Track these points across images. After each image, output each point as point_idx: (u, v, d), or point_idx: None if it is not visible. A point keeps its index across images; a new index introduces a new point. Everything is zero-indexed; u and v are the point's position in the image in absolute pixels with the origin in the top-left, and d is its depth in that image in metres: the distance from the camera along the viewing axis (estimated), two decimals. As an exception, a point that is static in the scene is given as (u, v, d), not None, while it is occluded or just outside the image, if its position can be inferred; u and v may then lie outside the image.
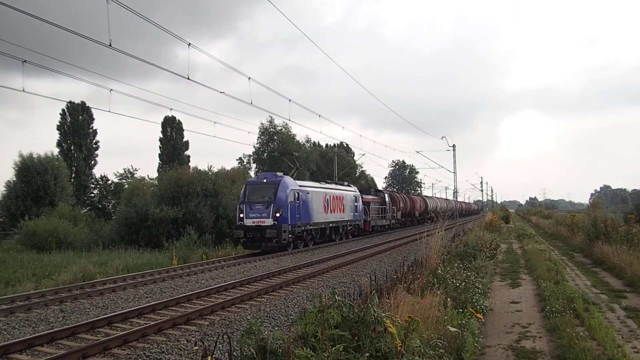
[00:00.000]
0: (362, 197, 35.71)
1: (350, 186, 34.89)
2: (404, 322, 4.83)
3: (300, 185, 25.63)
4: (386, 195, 42.86)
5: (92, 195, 51.11)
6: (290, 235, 23.47)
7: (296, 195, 24.39)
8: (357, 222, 34.01)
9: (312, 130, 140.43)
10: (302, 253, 23.62)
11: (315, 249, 26.01)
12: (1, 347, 7.91)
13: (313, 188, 27.44)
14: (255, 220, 23.17)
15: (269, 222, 22.91)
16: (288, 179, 24.71)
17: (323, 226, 27.84)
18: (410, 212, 52.01)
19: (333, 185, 31.76)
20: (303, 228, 25.17)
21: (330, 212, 28.81)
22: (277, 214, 22.89)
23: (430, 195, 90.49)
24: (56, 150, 49.04)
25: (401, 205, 47.49)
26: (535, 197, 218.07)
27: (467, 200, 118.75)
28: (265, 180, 24.38)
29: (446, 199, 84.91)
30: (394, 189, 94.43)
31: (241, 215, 23.50)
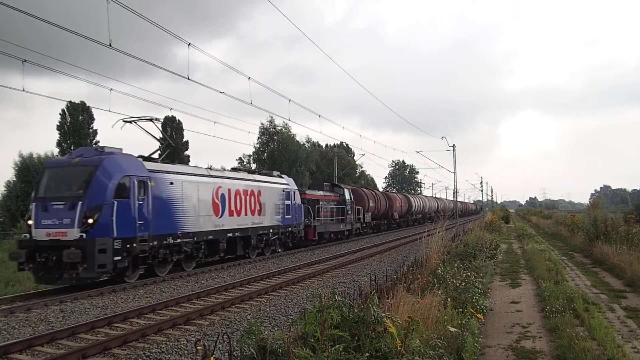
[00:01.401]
0: (306, 194, 27.25)
1: (280, 177, 24.73)
2: (404, 322, 4.83)
3: (153, 170, 15.44)
4: (346, 191, 32.70)
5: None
6: (116, 258, 13.55)
7: (138, 186, 14.52)
8: (291, 229, 23.96)
9: (312, 130, 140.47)
10: (302, 253, 23.59)
11: (316, 249, 25.93)
12: (1, 347, 7.91)
13: (186, 176, 16.82)
14: (51, 230, 13.32)
15: (72, 233, 13.11)
16: (120, 158, 14.79)
17: (213, 237, 17.80)
18: (386, 213, 42.70)
19: (238, 174, 21.20)
20: (156, 243, 15.04)
21: (232, 215, 19.02)
22: (89, 220, 13.21)
23: (430, 195, 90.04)
24: (56, 150, 49.05)
25: (370, 204, 37.35)
26: (535, 197, 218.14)
27: (466, 200, 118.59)
28: (77, 160, 14.44)
29: (438, 198, 78.80)
30: (394, 189, 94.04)
31: (29, 223, 13.89)
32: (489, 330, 8.52)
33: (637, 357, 6.87)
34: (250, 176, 21.79)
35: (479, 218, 60.68)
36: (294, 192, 24.78)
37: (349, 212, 32.25)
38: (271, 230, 22.10)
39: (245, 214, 20.14)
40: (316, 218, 27.23)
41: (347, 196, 32.46)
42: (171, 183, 15.94)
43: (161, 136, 17.66)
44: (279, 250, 23.20)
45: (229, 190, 19.12)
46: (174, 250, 16.05)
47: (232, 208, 19.24)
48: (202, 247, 17.53)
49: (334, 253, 22.84)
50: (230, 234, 18.95)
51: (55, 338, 8.63)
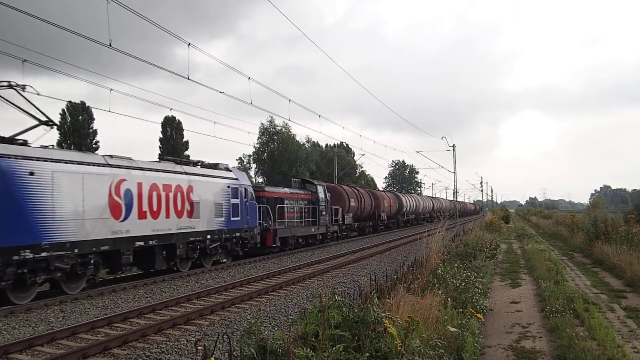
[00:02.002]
0: (264, 192, 22.90)
1: (227, 169, 19.92)
2: (404, 322, 4.83)
3: None
4: (320, 188, 28.13)
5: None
6: None
7: None
8: (240, 234, 19.44)
9: (312, 130, 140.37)
10: (302, 253, 23.59)
11: (316, 248, 25.92)
12: (1, 347, 7.91)
13: (60, 164, 12.45)
14: None
15: None
16: None
17: (110, 247, 13.54)
18: (372, 214, 38.66)
19: (156, 164, 16.29)
20: None
21: (144, 217, 14.68)
22: None
23: (430, 195, 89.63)
24: (56, 150, 49.03)
25: (352, 204, 33.21)
26: (535, 197, 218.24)
27: (466, 200, 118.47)
28: None
29: (434, 197, 74.83)
30: (394, 189, 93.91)
31: None
32: (489, 330, 8.52)
33: (637, 357, 6.88)
34: (176, 167, 16.72)
35: (479, 218, 60.43)
36: (245, 189, 20.15)
37: (324, 213, 27.70)
38: (209, 237, 17.51)
39: (167, 216, 15.52)
40: (278, 220, 22.77)
41: (322, 194, 27.77)
42: (31, 173, 11.49)
43: (39, 112, 12.73)
44: (224, 260, 19.53)
45: (140, 184, 14.57)
46: (38, 268, 11.65)
47: (145, 209, 14.72)
48: (93, 261, 13.09)
49: (334, 253, 22.84)
50: (140, 243, 14.45)
51: (55, 338, 8.63)
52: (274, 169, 54.76)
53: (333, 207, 29.73)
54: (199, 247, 17.13)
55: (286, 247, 23.75)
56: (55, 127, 14.13)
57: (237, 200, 19.40)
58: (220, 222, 18.28)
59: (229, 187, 19.01)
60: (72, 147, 50.54)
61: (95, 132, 52.85)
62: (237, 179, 19.84)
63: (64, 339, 8.70)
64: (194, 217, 16.79)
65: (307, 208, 26.38)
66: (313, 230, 26.64)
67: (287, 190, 25.10)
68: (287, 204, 24.23)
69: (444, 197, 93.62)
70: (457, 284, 9.65)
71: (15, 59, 14.86)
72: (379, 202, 39.69)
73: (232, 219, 19.05)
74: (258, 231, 21.13)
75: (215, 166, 19.43)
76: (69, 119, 51.44)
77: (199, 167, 18.53)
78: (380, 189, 78.86)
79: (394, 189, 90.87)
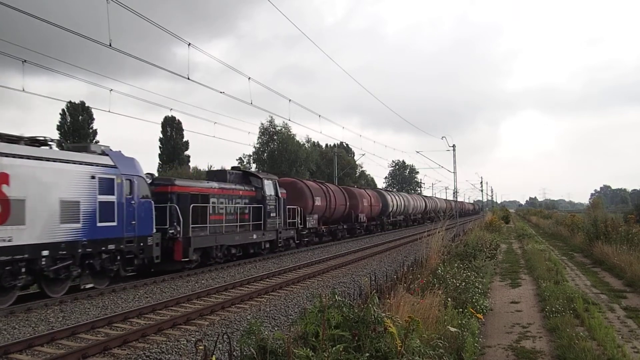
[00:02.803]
0: (174, 186, 17.01)
1: (101, 154, 14.07)
2: (404, 322, 4.83)
3: None
4: (268, 182, 22.01)
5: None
6: None
7: None
8: (114, 246, 13.71)
9: (312, 130, 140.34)
10: (303, 253, 23.58)
11: (316, 248, 25.92)
12: (1, 347, 7.91)
13: None
14: None
15: None
16: None
17: None
18: (347, 215, 32.50)
19: None
20: None
21: None
22: None
23: (429, 194, 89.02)
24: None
25: (317, 203, 27.16)
26: (535, 197, 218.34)
27: (466, 200, 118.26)
28: None
29: (427, 196, 69.82)
30: (394, 189, 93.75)
31: None
32: (489, 330, 8.52)
33: (637, 357, 6.88)
34: None
35: (479, 218, 60.35)
36: (131, 182, 14.42)
37: (273, 215, 21.66)
38: (47, 253, 11.67)
39: None
40: (195, 225, 16.90)
41: (270, 191, 21.66)
42: None
43: None
44: (91, 286, 13.52)
45: None
46: None
47: None
48: None
49: (334, 253, 22.84)
50: None
51: (55, 338, 8.63)
52: (274, 169, 54.70)
53: (290, 207, 23.82)
54: (23, 269, 11.17)
55: (209, 260, 17.81)
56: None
57: (111, 197, 13.59)
58: (72, 230, 12.39)
59: (93, 177, 13.11)
60: (72, 147, 50.65)
61: (95, 132, 52.93)
62: (113, 167, 13.89)
63: (64, 339, 8.70)
64: (11, 224, 10.82)
65: (248, 208, 20.21)
66: (255, 236, 20.36)
67: (213, 185, 18.92)
68: (213, 202, 18.28)
69: (439, 196, 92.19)
70: (457, 284, 9.65)
71: (15, 59, 14.86)
72: (355, 202, 33.59)
73: (101, 224, 13.21)
74: (157, 241, 15.29)
75: (84, 148, 14.22)
76: (68, 119, 51.50)
77: (24, 145, 11.91)
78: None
79: (394, 189, 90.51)
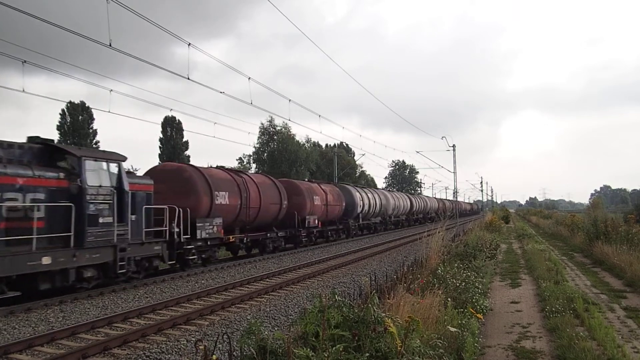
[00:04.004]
0: None
1: None
2: (404, 322, 4.83)
3: None
4: (89, 164, 12.87)
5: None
6: None
7: None
8: None
9: (312, 130, 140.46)
10: (302, 253, 23.56)
11: (316, 248, 25.89)
12: (1, 347, 7.91)
13: None
14: None
15: None
16: None
17: None
18: (285, 219, 23.86)
19: None
20: None
21: None
22: None
23: (430, 194, 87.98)
24: (56, 150, 49.07)
25: (217, 201, 18.09)
26: (535, 197, 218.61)
27: (466, 200, 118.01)
28: None
29: (416, 195, 64.68)
30: (394, 189, 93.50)
31: None
32: (489, 330, 8.52)
33: (637, 357, 6.88)
34: None
35: (479, 218, 60.14)
36: None
37: (107, 219, 13.19)
38: None
39: None
40: None
41: (98, 179, 13.18)
42: None
43: None
44: None
45: None
46: None
47: None
48: None
49: (334, 253, 22.84)
50: None
51: (55, 338, 8.63)
52: (274, 169, 54.76)
53: (162, 205, 15.34)
54: None
55: None
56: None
57: None
58: None
59: None
60: (72, 147, 50.64)
61: (95, 132, 52.93)
62: None
63: (64, 339, 8.70)
64: None
65: (43, 209, 11.69)
66: (50, 261, 11.50)
67: None
68: None
69: (432, 195, 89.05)
70: (457, 284, 9.65)
71: (15, 59, 14.85)
72: (301, 200, 25.42)
73: None
74: None
75: None
76: (68, 119, 51.50)
77: None
78: (380, 187, 75.96)
79: (394, 189, 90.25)
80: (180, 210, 15.80)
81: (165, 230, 15.31)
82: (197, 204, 17.09)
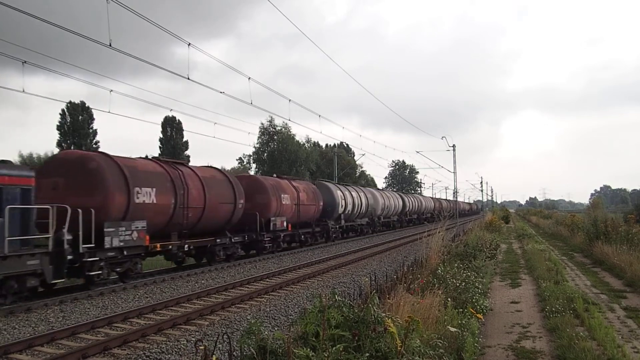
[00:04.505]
0: None
1: None
2: (404, 322, 4.83)
3: None
4: None
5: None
6: None
7: None
8: None
9: (312, 130, 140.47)
10: (302, 253, 23.55)
11: (315, 248, 25.90)
12: (1, 347, 7.91)
13: None
14: None
15: None
16: None
17: None
18: (244, 221, 20.19)
19: None
20: None
21: None
22: None
23: (430, 195, 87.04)
24: (56, 150, 49.14)
25: (142, 199, 14.41)
26: (535, 197, 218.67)
27: (466, 200, 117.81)
28: None
29: (406, 194, 57.91)
30: (394, 189, 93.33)
31: None
32: (489, 330, 8.51)
33: (637, 357, 6.88)
34: None
35: (478, 218, 60.04)
36: None
37: None
38: None
39: None
40: None
41: None
42: None
43: None
44: None
45: None
46: None
47: None
48: None
49: (334, 253, 22.83)
50: None
51: (55, 338, 8.63)
52: (274, 169, 54.77)
53: (44, 206, 11.82)
54: None
55: None
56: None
57: None
58: None
59: None
60: (72, 147, 50.67)
61: (95, 132, 52.94)
62: None
63: (64, 339, 8.70)
64: None
65: None
66: None
67: None
68: None
69: (432, 195, 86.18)
70: (457, 284, 9.65)
71: (15, 60, 14.85)
72: (264, 199, 21.49)
73: None
74: None
75: None
76: (68, 119, 51.51)
77: None
78: (380, 187, 74.82)
79: (394, 189, 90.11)
80: (80, 211, 12.16)
81: (51, 237, 11.54)
82: (106, 204, 13.35)
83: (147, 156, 18.85)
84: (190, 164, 20.37)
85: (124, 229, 13.74)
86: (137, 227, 14.24)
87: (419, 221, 53.05)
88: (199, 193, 17.02)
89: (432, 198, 68.90)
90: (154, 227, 15.03)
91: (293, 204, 24.25)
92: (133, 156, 15.74)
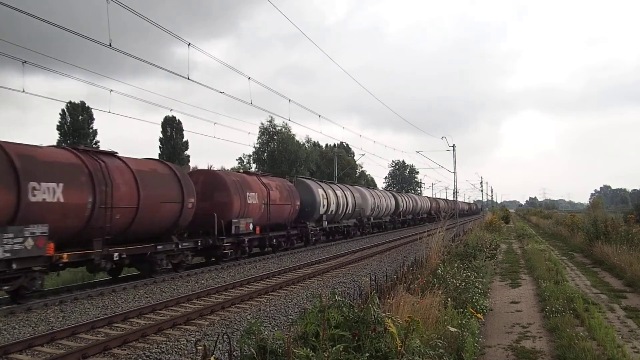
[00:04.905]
0: None
1: None
2: (404, 322, 4.83)
3: None
4: None
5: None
6: None
7: None
8: None
9: (312, 130, 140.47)
10: (302, 253, 23.57)
11: (315, 248, 25.91)
12: (1, 347, 7.91)
13: None
14: None
15: None
16: None
17: None
18: (201, 223, 17.67)
19: None
20: None
21: None
22: None
23: (430, 195, 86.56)
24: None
25: (34, 197, 11.32)
26: (535, 197, 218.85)
27: (466, 200, 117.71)
28: None
29: (404, 194, 54.97)
30: (393, 189, 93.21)
31: None
32: (489, 330, 8.52)
33: (637, 357, 6.88)
34: None
35: (478, 218, 60.00)
36: None
37: None
38: None
39: None
40: None
41: None
42: None
43: None
44: None
45: None
46: None
47: None
48: None
49: (334, 253, 22.84)
50: None
51: (55, 338, 8.63)
52: (274, 169, 54.78)
53: None
54: None
55: None
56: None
57: None
58: None
59: None
60: (72, 147, 50.63)
61: (95, 132, 52.90)
62: None
63: (64, 339, 8.70)
64: None
65: None
66: None
67: None
68: None
69: (432, 195, 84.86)
70: (457, 284, 9.65)
71: (15, 60, 14.84)
72: (224, 198, 18.68)
73: None
74: None
75: None
76: (68, 119, 51.48)
77: None
78: (381, 187, 74.65)
79: (394, 189, 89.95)
80: None
81: None
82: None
83: (57, 145, 14.91)
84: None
85: (11, 235, 10.80)
86: (34, 233, 11.27)
87: (414, 222, 51.79)
88: (130, 190, 14.12)
89: (428, 198, 66.63)
90: (63, 233, 12.25)
91: (262, 204, 21.21)
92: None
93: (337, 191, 30.75)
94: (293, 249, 24.35)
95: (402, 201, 47.69)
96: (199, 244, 17.31)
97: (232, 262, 18.90)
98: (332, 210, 29.10)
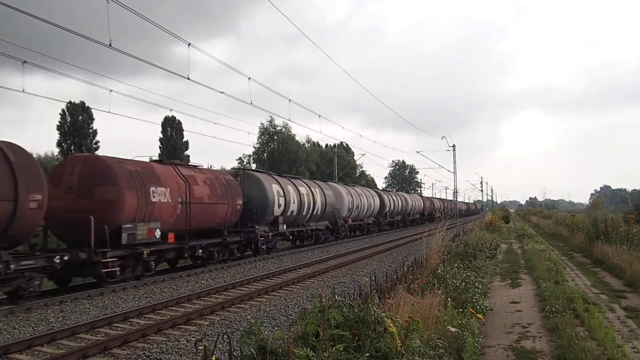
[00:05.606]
0: None
1: None
2: (404, 322, 4.83)
3: None
4: None
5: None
6: None
7: None
8: None
9: (312, 130, 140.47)
10: (303, 253, 23.56)
11: (316, 248, 25.91)
12: (1, 347, 7.91)
13: None
14: None
15: None
16: None
17: None
18: (84, 233, 12.58)
19: None
20: None
21: None
22: None
23: (431, 195, 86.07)
24: (56, 150, 49.17)
25: None
26: (535, 197, 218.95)
27: (466, 200, 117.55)
28: None
29: (392, 192, 50.30)
30: (393, 189, 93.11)
31: None
32: (489, 330, 8.52)
33: (637, 357, 6.88)
34: None
35: (478, 219, 59.95)
36: None
37: None
38: None
39: None
40: None
41: None
42: None
43: None
44: None
45: None
46: None
47: None
48: None
49: (334, 253, 22.84)
50: None
51: (55, 338, 8.63)
52: (274, 169, 54.82)
53: None
54: None
55: None
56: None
57: None
58: None
59: None
60: (72, 147, 50.66)
61: (95, 132, 52.87)
62: None
63: (64, 339, 8.70)
64: None
65: None
66: None
67: None
68: None
69: (432, 195, 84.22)
70: (457, 284, 9.65)
71: (15, 60, 14.85)
72: (110, 194, 13.64)
73: None
74: None
75: None
76: (68, 119, 51.46)
77: None
78: (381, 187, 73.68)
79: (394, 189, 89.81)
80: None
81: None
82: None
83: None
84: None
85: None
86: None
87: (404, 224, 47.24)
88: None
89: (421, 197, 62.45)
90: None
91: (177, 202, 15.99)
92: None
93: (300, 188, 25.19)
94: (234, 260, 19.23)
95: (389, 200, 42.25)
96: (57, 260, 11.90)
97: (232, 262, 18.91)
98: (292, 211, 23.85)
